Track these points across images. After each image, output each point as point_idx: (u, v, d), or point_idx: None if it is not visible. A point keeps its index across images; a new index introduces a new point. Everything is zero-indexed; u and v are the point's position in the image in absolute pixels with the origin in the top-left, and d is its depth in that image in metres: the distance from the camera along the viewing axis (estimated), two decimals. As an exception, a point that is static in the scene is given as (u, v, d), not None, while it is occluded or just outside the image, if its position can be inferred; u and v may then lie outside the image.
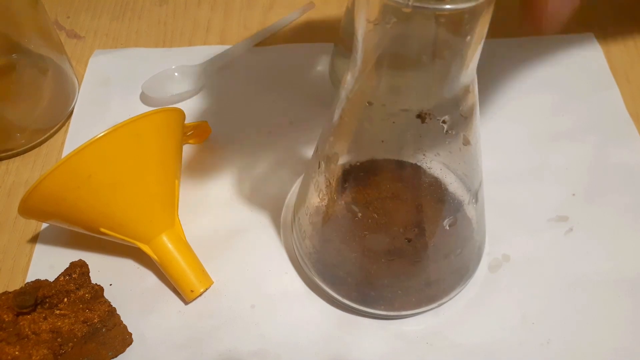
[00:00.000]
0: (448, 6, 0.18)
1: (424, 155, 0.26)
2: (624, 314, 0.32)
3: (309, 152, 0.37)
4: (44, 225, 0.36)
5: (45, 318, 0.28)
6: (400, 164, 0.27)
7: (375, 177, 0.29)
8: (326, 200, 0.29)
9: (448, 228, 0.28)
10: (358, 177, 0.29)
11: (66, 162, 0.29)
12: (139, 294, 0.33)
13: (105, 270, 0.34)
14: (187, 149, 0.39)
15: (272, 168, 0.38)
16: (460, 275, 0.31)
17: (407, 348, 0.31)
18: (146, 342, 0.31)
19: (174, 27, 0.48)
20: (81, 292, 0.29)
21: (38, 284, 0.29)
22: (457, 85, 0.23)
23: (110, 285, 0.33)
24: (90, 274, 0.29)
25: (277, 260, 0.34)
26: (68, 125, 0.41)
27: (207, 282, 0.33)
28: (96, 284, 0.29)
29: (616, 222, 0.35)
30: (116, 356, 0.31)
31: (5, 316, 0.27)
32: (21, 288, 0.28)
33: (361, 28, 0.21)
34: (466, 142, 0.26)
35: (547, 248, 0.34)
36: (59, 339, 0.27)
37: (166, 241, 0.32)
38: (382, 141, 0.25)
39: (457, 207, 0.29)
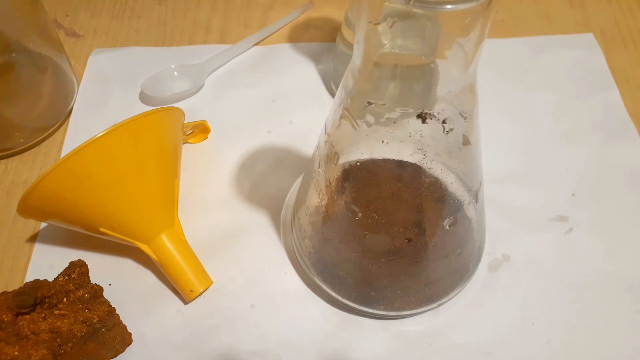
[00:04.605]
0: (449, 6, 0.18)
1: (424, 155, 0.26)
2: (624, 314, 0.32)
3: (309, 151, 0.37)
4: (43, 224, 0.36)
5: (44, 318, 0.28)
6: (401, 164, 0.27)
7: (375, 177, 0.29)
8: (326, 200, 0.29)
9: (448, 228, 0.28)
10: (358, 177, 0.29)
11: (65, 162, 0.29)
12: (138, 294, 0.33)
13: (104, 270, 0.33)
14: (187, 149, 0.39)
15: (271, 168, 0.38)
16: (460, 275, 0.31)
17: (407, 348, 0.31)
18: (146, 342, 0.31)
19: (173, 26, 0.48)
20: (80, 292, 0.28)
21: (37, 283, 0.29)
22: (458, 85, 0.23)
23: (110, 285, 0.33)
24: (90, 274, 0.29)
25: (276, 260, 0.34)
26: (67, 124, 0.41)
27: (207, 282, 0.33)
28: (95, 283, 0.29)
29: (616, 222, 0.35)
30: (116, 356, 0.31)
31: (4, 316, 0.27)
32: (20, 288, 0.28)
33: (362, 28, 0.21)
34: (466, 142, 0.26)
35: (547, 248, 0.34)
36: (58, 339, 0.27)
37: (166, 241, 0.32)
38: (383, 141, 0.25)
39: (457, 207, 0.28)
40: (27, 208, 0.31)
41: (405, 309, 0.31)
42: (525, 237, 0.35)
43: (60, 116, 0.41)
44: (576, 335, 0.31)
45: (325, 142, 0.27)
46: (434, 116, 0.23)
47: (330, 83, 0.43)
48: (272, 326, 0.32)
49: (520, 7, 0.48)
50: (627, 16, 0.47)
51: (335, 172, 0.28)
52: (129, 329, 0.31)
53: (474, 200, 0.29)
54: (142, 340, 0.31)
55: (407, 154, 0.26)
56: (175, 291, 0.33)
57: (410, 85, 0.23)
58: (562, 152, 0.39)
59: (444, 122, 0.24)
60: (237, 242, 0.35)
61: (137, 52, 0.46)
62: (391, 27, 0.20)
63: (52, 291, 0.28)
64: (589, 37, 0.45)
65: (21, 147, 0.40)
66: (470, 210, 0.29)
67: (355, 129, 0.25)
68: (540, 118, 0.41)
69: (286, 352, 0.31)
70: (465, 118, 0.24)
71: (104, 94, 0.43)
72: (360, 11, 0.21)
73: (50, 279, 0.29)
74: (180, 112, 0.35)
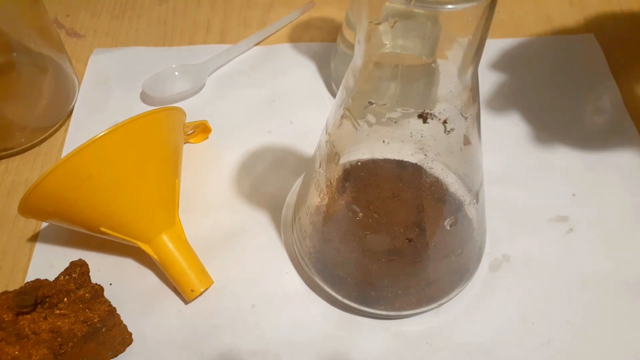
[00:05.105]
0: (450, 6, 0.18)
1: (425, 155, 0.26)
2: (624, 314, 0.32)
3: (309, 151, 0.37)
4: (44, 224, 0.36)
5: (45, 318, 0.28)
6: (401, 164, 0.27)
7: (376, 176, 0.29)
8: (327, 200, 0.29)
9: (449, 228, 0.28)
10: (359, 177, 0.29)
11: (66, 162, 0.29)
12: (139, 294, 0.33)
13: (105, 270, 0.33)
14: (187, 148, 0.39)
15: (272, 167, 0.38)
16: (460, 275, 0.31)
17: (407, 348, 0.31)
18: (146, 342, 0.31)
19: (174, 26, 0.48)
20: (81, 292, 0.28)
21: (38, 283, 0.29)
22: (459, 85, 0.23)
23: (110, 284, 0.33)
24: (90, 274, 0.29)
25: (277, 259, 0.34)
26: (68, 124, 0.41)
27: (208, 282, 0.33)
28: (96, 283, 0.29)
29: (616, 222, 0.35)
30: (116, 356, 0.31)
31: (5, 316, 0.27)
32: (21, 288, 0.28)
33: (363, 28, 0.21)
34: (467, 142, 0.26)
35: (547, 248, 0.34)
36: (58, 339, 0.27)
37: (166, 241, 0.32)
38: (384, 141, 0.25)
39: (458, 207, 0.29)
40: (28, 208, 0.31)
41: (405, 309, 0.31)
42: (525, 237, 0.35)
43: (61, 116, 0.41)
44: (576, 335, 0.31)
45: (326, 142, 0.27)
46: (435, 116, 0.23)
47: (331, 83, 0.43)
48: (272, 326, 0.32)
49: (520, 7, 0.48)
50: (627, 16, 0.47)
51: (336, 172, 0.28)
52: (130, 329, 0.31)
53: (474, 200, 0.29)
54: (142, 340, 0.31)
55: (408, 154, 0.26)
56: (176, 291, 0.33)
57: (411, 85, 0.23)
58: (562, 152, 0.39)
59: (445, 122, 0.24)
60: (238, 241, 0.35)
61: (138, 52, 0.46)
62: (392, 27, 0.20)
63: (53, 291, 0.28)
64: (589, 37, 0.45)
65: (22, 147, 0.40)
66: (471, 210, 0.29)
67: (356, 128, 0.25)
68: (540, 118, 0.41)
69: (286, 352, 0.31)
70: (466, 118, 0.24)
71: (105, 93, 0.43)
72: (361, 11, 0.21)
73: (51, 278, 0.29)
74: (181, 112, 0.35)
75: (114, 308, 0.30)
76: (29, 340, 0.27)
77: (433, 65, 0.22)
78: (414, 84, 0.23)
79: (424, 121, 0.23)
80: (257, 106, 0.42)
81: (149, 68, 0.43)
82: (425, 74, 0.23)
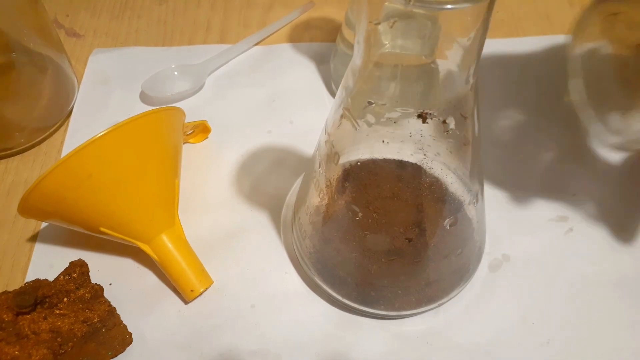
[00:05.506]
0: (449, 6, 0.18)
1: (424, 155, 0.26)
2: (624, 314, 0.32)
3: (309, 151, 0.37)
4: (44, 224, 0.36)
5: (45, 318, 0.28)
6: (401, 164, 0.28)
7: (376, 176, 0.29)
8: (326, 200, 0.29)
9: (448, 228, 0.28)
10: (358, 177, 0.29)
11: (66, 162, 0.29)
12: (138, 294, 0.33)
13: (105, 270, 0.33)
14: (187, 148, 0.39)
15: (272, 167, 0.38)
16: (460, 275, 0.31)
17: (407, 348, 0.31)
18: (146, 342, 0.31)
19: (173, 26, 0.48)
20: (81, 292, 0.28)
21: (38, 283, 0.29)
22: (458, 85, 0.23)
23: (110, 284, 0.33)
24: (90, 274, 0.29)
25: (277, 259, 0.34)
26: (67, 124, 0.41)
27: (207, 282, 0.33)
28: (96, 283, 0.29)
29: (616, 222, 0.35)
30: (116, 356, 0.31)
31: (4, 316, 0.27)
32: (21, 288, 0.28)
33: (362, 28, 0.21)
34: (467, 142, 0.26)
35: (547, 248, 0.34)
36: (58, 339, 0.27)
37: (166, 241, 0.32)
38: (383, 141, 0.25)
39: (457, 207, 0.29)
40: (28, 208, 0.31)
41: (405, 309, 0.31)
42: (525, 237, 0.35)
43: (61, 116, 0.41)
44: (576, 335, 0.31)
45: (326, 141, 0.28)
46: (435, 116, 0.23)
47: (331, 83, 0.43)
48: (272, 326, 0.32)
49: (520, 7, 0.48)
50: (627, 16, 0.47)
51: (336, 172, 0.28)
52: (130, 329, 0.31)
53: (474, 200, 0.29)
54: (142, 340, 0.31)
55: (408, 154, 0.26)
56: (176, 291, 0.33)
57: (411, 85, 0.23)
58: (562, 151, 0.39)
59: (444, 122, 0.24)
60: (238, 241, 0.35)
61: (138, 52, 0.46)
62: (391, 27, 0.20)
63: (53, 291, 0.28)
64: (589, 37, 0.45)
65: (22, 147, 0.40)
66: (470, 210, 0.29)
67: (356, 128, 0.25)
68: (540, 118, 0.41)
69: (286, 352, 0.31)
70: (465, 118, 0.24)
71: (105, 93, 0.43)
72: (360, 11, 0.21)
73: (51, 278, 0.29)
74: (180, 112, 0.35)
75: (114, 308, 0.30)
76: (29, 340, 0.27)
77: (433, 65, 0.22)
78: (414, 84, 0.23)
79: (424, 121, 0.23)
80: (257, 106, 0.42)
81: (149, 68, 0.43)
82: (425, 74, 0.23)
